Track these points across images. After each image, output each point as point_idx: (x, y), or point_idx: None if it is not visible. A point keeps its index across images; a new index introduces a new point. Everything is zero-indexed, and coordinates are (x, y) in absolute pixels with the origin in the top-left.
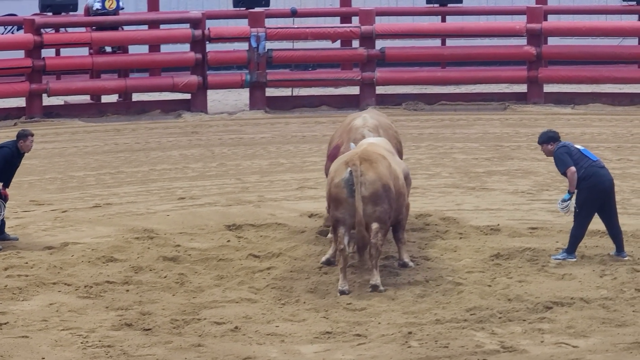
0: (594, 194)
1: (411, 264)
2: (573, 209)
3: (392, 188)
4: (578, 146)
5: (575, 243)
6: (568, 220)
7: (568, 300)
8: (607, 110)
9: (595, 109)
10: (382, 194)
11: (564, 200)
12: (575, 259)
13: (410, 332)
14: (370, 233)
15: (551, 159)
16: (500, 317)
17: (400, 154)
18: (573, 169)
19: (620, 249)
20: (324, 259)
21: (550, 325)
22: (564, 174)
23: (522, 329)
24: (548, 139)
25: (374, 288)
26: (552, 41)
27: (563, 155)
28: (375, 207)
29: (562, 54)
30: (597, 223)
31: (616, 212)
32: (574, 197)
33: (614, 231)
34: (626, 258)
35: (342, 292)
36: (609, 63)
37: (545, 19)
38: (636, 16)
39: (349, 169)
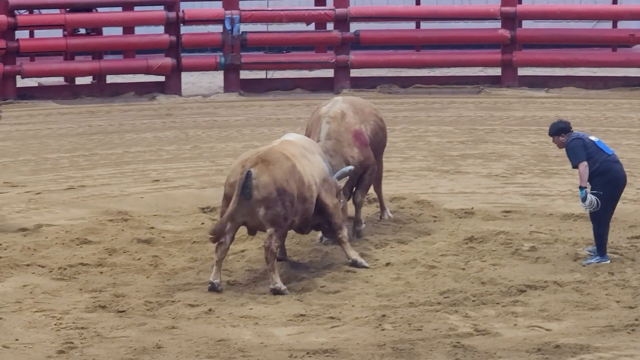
0: (608, 190)
1: (360, 260)
2: (596, 202)
3: (289, 191)
4: (593, 138)
5: (602, 243)
6: (542, 203)
7: (541, 283)
8: (581, 94)
9: (569, 92)
10: (275, 197)
11: (583, 200)
12: (608, 261)
13: (383, 315)
14: (266, 237)
15: (524, 142)
16: (473, 300)
17: (383, 131)
18: (585, 163)
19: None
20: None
21: (524, 309)
22: (576, 167)
23: (495, 312)
24: (559, 130)
25: (274, 292)
26: (527, 24)
27: (577, 149)
28: (267, 210)
29: (536, 38)
30: (571, 206)
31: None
32: (588, 191)
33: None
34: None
35: (212, 285)
36: (583, 46)
37: (520, 2)
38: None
39: (244, 170)
